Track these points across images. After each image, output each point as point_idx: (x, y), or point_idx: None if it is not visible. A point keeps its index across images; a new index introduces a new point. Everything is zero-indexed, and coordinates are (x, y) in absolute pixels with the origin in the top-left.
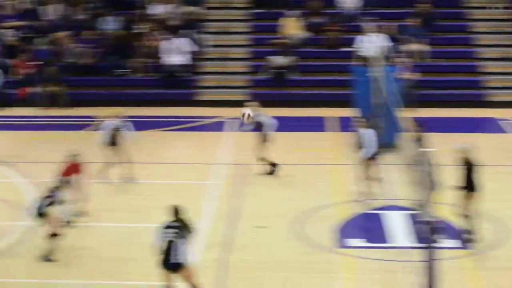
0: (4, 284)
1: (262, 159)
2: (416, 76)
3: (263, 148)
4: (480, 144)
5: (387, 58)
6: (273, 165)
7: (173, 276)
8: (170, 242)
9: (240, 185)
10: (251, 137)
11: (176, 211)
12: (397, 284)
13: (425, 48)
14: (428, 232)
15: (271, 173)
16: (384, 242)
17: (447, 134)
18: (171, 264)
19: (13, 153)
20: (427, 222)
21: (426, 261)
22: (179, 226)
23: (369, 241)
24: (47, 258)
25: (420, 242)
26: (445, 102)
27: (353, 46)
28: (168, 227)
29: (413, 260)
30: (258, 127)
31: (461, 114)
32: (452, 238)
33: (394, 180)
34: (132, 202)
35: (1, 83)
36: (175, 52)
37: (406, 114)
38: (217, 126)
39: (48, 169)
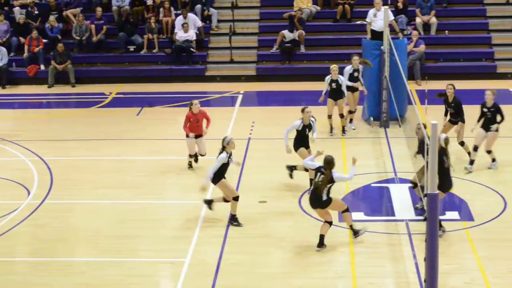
0: (8, 263)
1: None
2: (427, 49)
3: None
4: None
5: (397, 31)
6: None
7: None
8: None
9: (247, 160)
10: (257, 111)
11: (330, 162)
12: (398, 257)
13: (436, 20)
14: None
15: None
16: (386, 215)
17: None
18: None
19: (21, 131)
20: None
21: (426, 233)
22: (325, 172)
23: (371, 214)
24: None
25: (420, 215)
26: (458, 74)
27: (365, 19)
28: (319, 170)
29: (413, 233)
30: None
31: (474, 86)
32: (452, 210)
33: (398, 153)
34: (139, 179)
35: (6, 62)
36: (185, 27)
37: (415, 87)
38: (226, 101)
39: (56, 147)
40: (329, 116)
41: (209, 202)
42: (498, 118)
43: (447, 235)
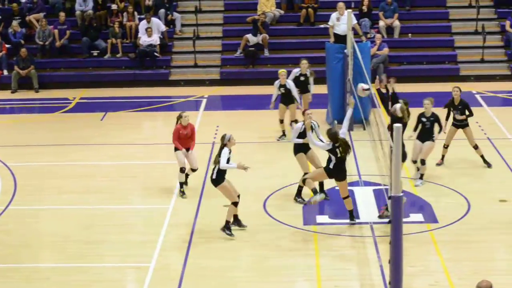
0: None
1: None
2: (390, 52)
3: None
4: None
5: (360, 34)
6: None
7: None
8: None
9: (211, 164)
10: (221, 115)
11: (335, 137)
12: (363, 259)
13: (399, 23)
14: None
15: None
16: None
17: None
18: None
19: None
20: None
21: (391, 236)
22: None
23: (336, 217)
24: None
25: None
26: (421, 77)
27: (328, 23)
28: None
29: (378, 235)
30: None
31: (437, 89)
32: (416, 212)
33: (362, 155)
34: (104, 184)
35: None
36: (149, 32)
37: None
38: (190, 106)
39: (19, 153)
40: (281, 121)
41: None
42: (437, 128)
43: (411, 237)
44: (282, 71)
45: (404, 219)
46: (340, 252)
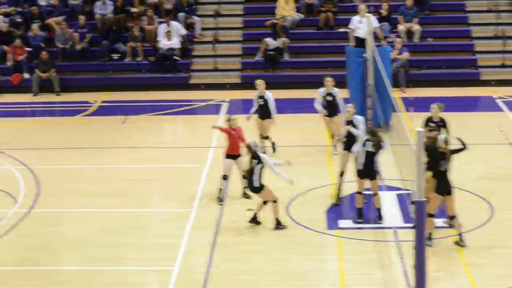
0: None
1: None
2: (410, 56)
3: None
4: (476, 123)
5: (381, 38)
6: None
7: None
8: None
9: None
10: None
11: (373, 131)
12: (387, 264)
13: (419, 27)
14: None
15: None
16: (374, 223)
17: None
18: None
19: (5, 140)
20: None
21: (415, 241)
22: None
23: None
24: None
25: (408, 222)
26: (441, 81)
27: (348, 26)
28: (370, 141)
29: (403, 240)
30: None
31: (457, 93)
32: (439, 217)
33: (385, 160)
34: (126, 187)
35: None
36: (169, 35)
37: (400, 94)
38: (211, 110)
39: (40, 155)
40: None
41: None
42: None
43: (435, 242)
44: (259, 81)
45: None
46: (363, 256)
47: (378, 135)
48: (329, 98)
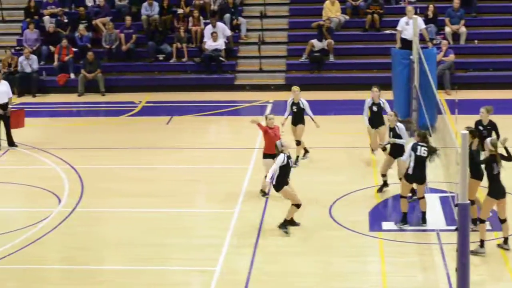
0: (39, 271)
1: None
2: (456, 58)
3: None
4: None
5: (427, 40)
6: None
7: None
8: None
9: None
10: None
11: (425, 135)
12: (429, 267)
13: (465, 29)
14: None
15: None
16: (416, 225)
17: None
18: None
19: (51, 140)
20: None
21: (458, 243)
22: (427, 147)
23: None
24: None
25: (452, 224)
26: (487, 84)
27: (396, 28)
28: (422, 146)
29: (445, 243)
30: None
31: (504, 96)
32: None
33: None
34: (170, 188)
35: (36, 69)
36: (214, 36)
37: (445, 97)
38: (255, 111)
39: (84, 155)
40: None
41: (285, 226)
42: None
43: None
44: (295, 88)
45: (471, 227)
46: (406, 259)
47: (429, 141)
48: (375, 108)
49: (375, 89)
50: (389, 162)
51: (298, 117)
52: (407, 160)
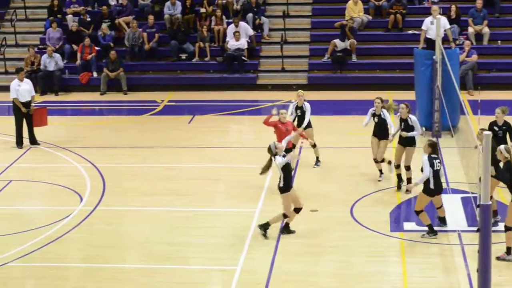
0: (61, 269)
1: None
2: (479, 58)
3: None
4: None
5: (450, 40)
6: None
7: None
8: (437, 171)
9: (298, 168)
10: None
11: (435, 145)
12: (450, 268)
13: (488, 30)
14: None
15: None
16: (438, 225)
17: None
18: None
19: (73, 138)
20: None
21: (479, 244)
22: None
23: (423, 224)
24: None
25: (474, 225)
26: (510, 85)
27: (421, 28)
28: (436, 158)
29: (467, 243)
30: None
31: None
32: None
33: (450, 163)
34: (192, 187)
35: (61, 66)
36: (237, 36)
37: (468, 97)
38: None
39: (106, 154)
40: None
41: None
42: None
43: (500, 246)
44: (300, 92)
45: (493, 228)
46: (427, 259)
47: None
48: (376, 120)
49: (377, 100)
50: (401, 151)
51: (303, 121)
52: (428, 175)
